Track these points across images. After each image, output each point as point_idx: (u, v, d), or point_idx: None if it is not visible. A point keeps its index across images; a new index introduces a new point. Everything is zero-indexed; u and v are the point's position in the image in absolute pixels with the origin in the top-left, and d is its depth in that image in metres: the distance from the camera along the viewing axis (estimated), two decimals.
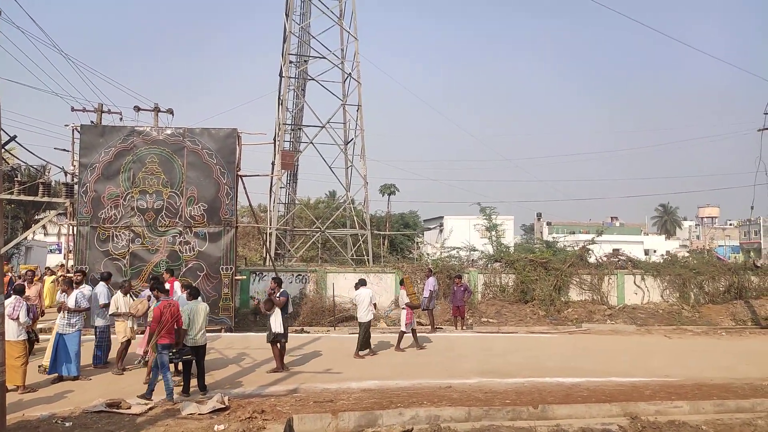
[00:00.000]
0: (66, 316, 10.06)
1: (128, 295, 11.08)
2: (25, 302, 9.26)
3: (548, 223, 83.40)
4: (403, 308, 13.41)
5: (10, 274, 18.81)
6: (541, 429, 7.74)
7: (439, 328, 16.52)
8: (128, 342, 10.78)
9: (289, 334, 11.32)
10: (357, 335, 15.63)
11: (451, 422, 8.46)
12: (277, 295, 11.03)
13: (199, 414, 7.96)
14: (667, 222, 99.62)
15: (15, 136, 6.83)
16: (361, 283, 12.96)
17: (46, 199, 6.37)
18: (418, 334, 13.66)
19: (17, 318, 8.94)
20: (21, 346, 9.06)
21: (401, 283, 13.87)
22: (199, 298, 10.02)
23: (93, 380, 10.00)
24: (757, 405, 9.36)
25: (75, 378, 9.91)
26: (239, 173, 16.08)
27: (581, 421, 8.36)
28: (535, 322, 18.33)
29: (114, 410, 7.92)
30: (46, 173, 35.00)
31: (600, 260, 21.96)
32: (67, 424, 7.33)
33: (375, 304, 12.87)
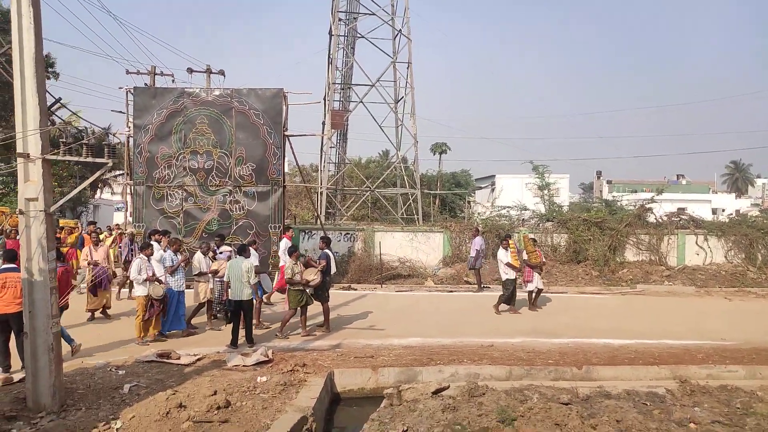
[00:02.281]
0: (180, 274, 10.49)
1: (207, 256, 11.22)
2: (140, 259, 9.74)
3: (608, 182, 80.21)
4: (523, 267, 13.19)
5: (77, 230, 19.87)
6: (583, 390, 7.56)
7: (486, 287, 16.37)
8: (209, 302, 11.00)
9: (333, 292, 11.44)
10: (404, 292, 15.87)
11: (490, 380, 8.41)
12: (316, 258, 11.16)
13: (243, 366, 8.23)
14: (738, 180, 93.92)
15: (60, 98, 7.01)
16: (501, 241, 13.23)
17: (89, 159, 6.55)
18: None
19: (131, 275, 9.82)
20: (138, 301, 9.63)
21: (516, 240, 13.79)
22: (250, 255, 10.27)
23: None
24: None
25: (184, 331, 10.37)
26: (286, 133, 16.16)
27: (626, 384, 8.11)
28: (587, 283, 17.85)
29: (164, 360, 8.31)
30: (110, 135, 36.53)
31: (660, 220, 20.99)
32: (121, 372, 7.75)
33: (508, 263, 12.56)
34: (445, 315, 12.60)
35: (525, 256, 13.10)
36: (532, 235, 16.06)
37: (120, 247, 14.42)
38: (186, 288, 10.73)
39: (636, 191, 47.35)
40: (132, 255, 13.88)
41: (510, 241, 12.95)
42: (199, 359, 8.54)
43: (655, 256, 19.72)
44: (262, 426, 6.31)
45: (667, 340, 10.34)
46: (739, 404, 7.08)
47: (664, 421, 6.33)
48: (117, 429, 6.01)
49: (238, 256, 10.06)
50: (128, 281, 13.99)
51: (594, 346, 9.93)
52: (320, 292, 10.79)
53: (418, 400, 7.07)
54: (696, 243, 19.99)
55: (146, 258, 9.80)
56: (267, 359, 8.51)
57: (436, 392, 7.24)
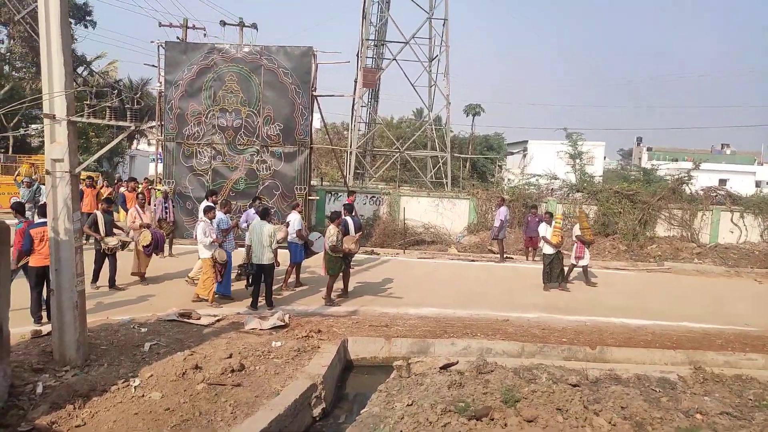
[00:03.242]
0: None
1: (267, 219, 11.01)
2: (204, 222, 9.79)
3: (648, 149, 77.80)
4: (574, 242, 13.01)
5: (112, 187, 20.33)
6: (593, 372, 7.55)
7: (509, 257, 16.30)
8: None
9: (356, 256, 11.51)
10: (426, 259, 15.88)
11: (503, 356, 8.48)
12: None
13: (260, 329, 8.46)
14: None
15: (83, 55, 7.08)
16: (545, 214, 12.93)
17: (112, 122, 6.66)
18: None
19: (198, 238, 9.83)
20: (206, 264, 9.76)
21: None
22: (272, 219, 10.33)
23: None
24: None
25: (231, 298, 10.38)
26: (314, 93, 16.05)
27: (639, 368, 8.06)
28: (613, 257, 17.58)
29: (185, 320, 8.59)
30: (145, 88, 36.89)
31: (696, 194, 20.35)
32: (143, 330, 8.05)
33: (543, 237, 12.34)
34: (464, 285, 12.64)
35: (578, 231, 12.89)
36: (587, 211, 15.81)
37: (154, 206, 14.64)
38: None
39: (677, 160, 45.91)
40: (165, 213, 14.03)
41: (557, 216, 12.69)
42: (218, 320, 8.80)
43: (687, 232, 19.25)
44: (272, 391, 6.52)
45: (687, 323, 10.20)
46: (751, 396, 6.98)
47: (671, 410, 6.29)
48: (135, 386, 6.29)
49: (260, 219, 10.18)
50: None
51: (611, 326, 9.86)
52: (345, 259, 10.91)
53: (426, 374, 7.18)
54: (731, 220, 19.41)
55: (209, 221, 9.91)
56: (283, 324, 8.72)
57: (444, 367, 7.33)
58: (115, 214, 15.69)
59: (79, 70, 30.35)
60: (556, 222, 12.32)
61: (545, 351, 8.65)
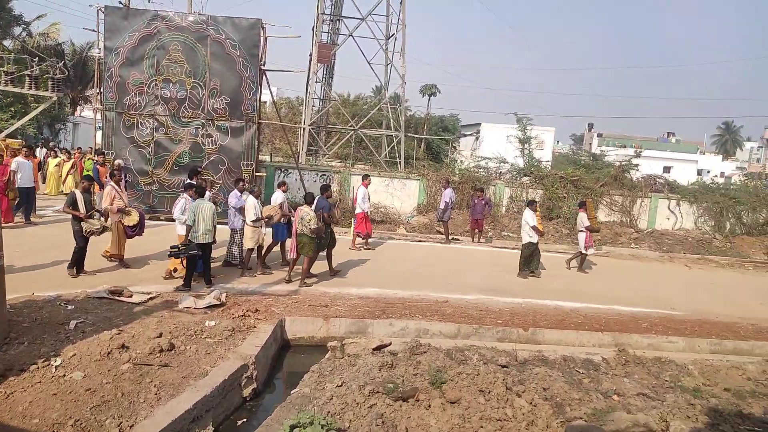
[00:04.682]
0: None
1: (259, 199, 10.88)
2: (184, 199, 9.83)
3: (599, 135, 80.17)
4: (581, 231, 13.11)
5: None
6: (522, 354, 7.77)
7: (455, 239, 16.51)
8: (260, 247, 10.91)
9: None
10: (371, 240, 15.88)
11: (440, 337, 8.63)
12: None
13: (194, 308, 8.29)
14: (727, 142, 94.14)
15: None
16: (528, 204, 12.74)
17: (32, 91, 6.30)
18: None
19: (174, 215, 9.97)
20: (180, 240, 9.67)
21: (581, 206, 13.41)
22: (206, 196, 10.05)
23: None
24: (756, 348, 9.18)
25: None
26: (263, 67, 15.68)
27: (567, 349, 8.35)
28: (555, 240, 18.07)
29: (115, 297, 8.34)
30: (89, 52, 35.23)
31: (636, 181, 21.08)
32: (70, 307, 7.77)
33: (534, 227, 12.13)
34: (408, 266, 12.74)
35: (587, 222, 13.05)
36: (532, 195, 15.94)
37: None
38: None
39: (625, 146, 47.51)
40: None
41: (536, 206, 12.75)
42: (151, 298, 8.58)
43: (626, 218, 19.95)
44: (201, 372, 6.42)
45: (618, 306, 10.60)
46: (668, 377, 7.34)
47: (591, 391, 6.55)
48: (56, 366, 6.07)
49: (197, 197, 9.86)
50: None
51: (545, 308, 10.15)
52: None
53: (359, 355, 7.23)
54: (668, 207, 20.21)
55: (189, 198, 9.68)
56: (219, 303, 8.58)
57: (377, 348, 7.39)
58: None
59: (16, 30, 28.68)
60: (537, 211, 12.47)
61: (481, 332, 8.84)
